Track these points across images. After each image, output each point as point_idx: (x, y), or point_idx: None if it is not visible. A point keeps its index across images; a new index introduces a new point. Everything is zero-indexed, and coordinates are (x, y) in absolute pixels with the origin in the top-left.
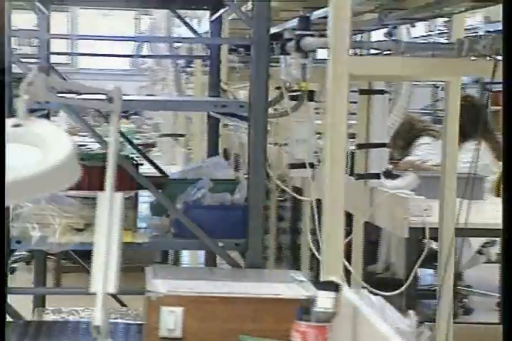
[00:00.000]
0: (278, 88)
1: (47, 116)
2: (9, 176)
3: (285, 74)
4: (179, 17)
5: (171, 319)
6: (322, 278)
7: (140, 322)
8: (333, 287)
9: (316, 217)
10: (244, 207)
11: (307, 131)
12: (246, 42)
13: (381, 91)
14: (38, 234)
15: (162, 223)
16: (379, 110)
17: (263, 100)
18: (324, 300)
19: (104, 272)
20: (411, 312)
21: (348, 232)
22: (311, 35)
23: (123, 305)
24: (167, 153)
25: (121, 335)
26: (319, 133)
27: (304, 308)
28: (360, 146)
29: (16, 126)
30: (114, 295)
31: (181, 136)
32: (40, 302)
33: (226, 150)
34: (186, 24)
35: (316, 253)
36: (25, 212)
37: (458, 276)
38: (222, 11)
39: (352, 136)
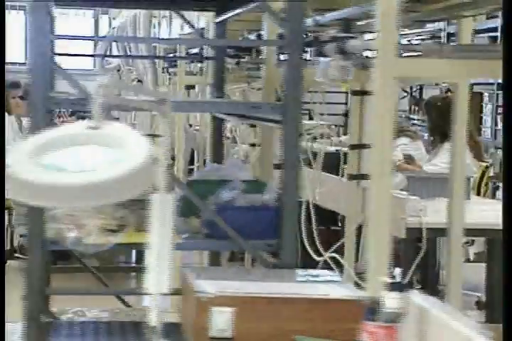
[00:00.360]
0: None
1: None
2: (91, 178)
3: (322, 75)
4: (183, 18)
5: (222, 319)
6: (367, 282)
7: (174, 322)
8: (400, 287)
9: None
10: (276, 208)
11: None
12: (281, 44)
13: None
14: (73, 235)
15: (192, 224)
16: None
17: (297, 101)
18: (392, 301)
19: (158, 273)
20: (471, 312)
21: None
22: (354, 38)
23: (127, 305)
24: None
25: (163, 335)
26: (309, 134)
27: (371, 309)
28: (353, 147)
29: (92, 128)
30: (118, 296)
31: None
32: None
33: (192, 150)
34: (191, 26)
35: (312, 252)
36: (59, 213)
37: (436, 276)
38: (237, 11)
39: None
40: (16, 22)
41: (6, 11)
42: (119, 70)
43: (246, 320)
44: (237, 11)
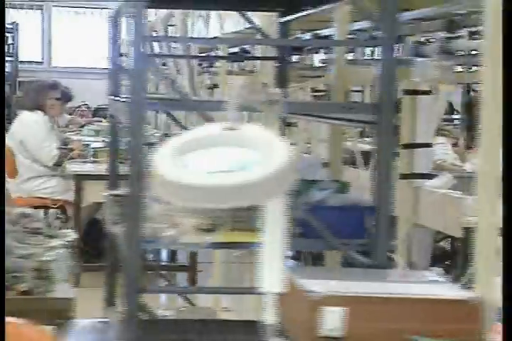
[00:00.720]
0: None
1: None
2: (234, 179)
3: (419, 75)
4: (247, 19)
5: (333, 319)
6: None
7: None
8: None
9: None
10: (367, 208)
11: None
12: (374, 44)
13: (427, 92)
14: (169, 234)
15: None
16: (425, 110)
17: (392, 102)
18: None
19: (271, 272)
20: None
21: None
22: (460, 37)
23: (191, 303)
24: None
25: (276, 334)
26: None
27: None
28: (405, 146)
29: (229, 129)
30: (183, 294)
31: None
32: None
33: None
34: (255, 25)
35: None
36: (154, 213)
37: None
38: (305, 12)
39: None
40: (33, 21)
41: (23, 11)
42: None
43: (357, 319)
44: (310, 11)
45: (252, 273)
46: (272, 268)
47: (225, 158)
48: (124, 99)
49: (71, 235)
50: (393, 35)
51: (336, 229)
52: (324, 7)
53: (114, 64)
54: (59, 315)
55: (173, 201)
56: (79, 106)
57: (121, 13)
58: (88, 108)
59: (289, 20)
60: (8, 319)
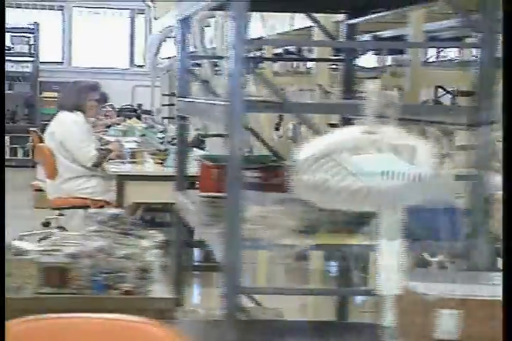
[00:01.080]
0: None
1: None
2: (380, 183)
3: None
4: (315, 21)
5: (449, 321)
6: None
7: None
8: None
9: None
10: (462, 210)
11: None
12: (476, 46)
13: (472, 93)
14: (267, 236)
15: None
16: None
17: (491, 104)
18: None
19: (389, 275)
20: None
21: None
22: None
23: (258, 304)
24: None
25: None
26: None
27: None
28: (460, 148)
29: (368, 133)
30: (250, 295)
31: None
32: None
33: None
34: (322, 28)
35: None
36: (251, 214)
37: None
38: (376, 15)
39: None
40: (53, 22)
41: (44, 11)
42: (169, 70)
43: (472, 322)
44: (384, 13)
45: (289, 272)
46: (390, 271)
47: (366, 161)
48: (207, 101)
49: (158, 236)
50: (494, 35)
51: (434, 231)
52: (404, 8)
53: (183, 66)
54: (161, 314)
55: (315, 203)
56: (103, 107)
57: (193, 15)
58: (113, 108)
59: (356, 22)
60: (133, 318)
